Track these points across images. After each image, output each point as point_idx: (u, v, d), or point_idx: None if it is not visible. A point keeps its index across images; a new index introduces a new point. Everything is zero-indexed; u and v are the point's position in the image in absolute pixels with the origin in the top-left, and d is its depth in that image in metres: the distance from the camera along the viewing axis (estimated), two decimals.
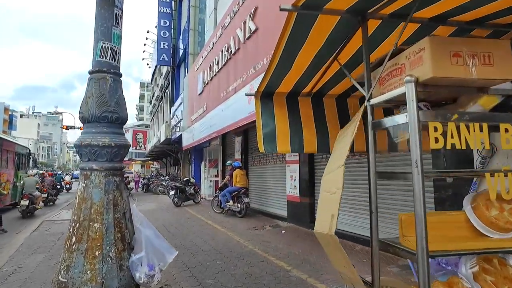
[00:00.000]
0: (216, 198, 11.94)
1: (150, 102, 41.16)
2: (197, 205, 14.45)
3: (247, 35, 8.56)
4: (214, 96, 11.86)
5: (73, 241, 2.41)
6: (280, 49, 2.02)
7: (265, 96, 2.69)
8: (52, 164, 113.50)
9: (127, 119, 2.67)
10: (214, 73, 11.82)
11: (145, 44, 37.99)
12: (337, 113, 2.82)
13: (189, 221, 10.22)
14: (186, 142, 16.20)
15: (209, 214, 11.36)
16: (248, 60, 8.59)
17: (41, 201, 12.93)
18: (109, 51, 2.51)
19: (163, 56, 22.29)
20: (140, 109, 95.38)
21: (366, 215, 6.51)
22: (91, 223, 2.36)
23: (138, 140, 51.00)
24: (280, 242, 7.08)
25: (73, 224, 2.49)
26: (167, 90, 24.61)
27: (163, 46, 22.40)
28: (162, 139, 23.00)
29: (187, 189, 14.51)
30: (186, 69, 18.93)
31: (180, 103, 18.44)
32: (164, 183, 20.87)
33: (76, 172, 46.73)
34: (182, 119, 17.84)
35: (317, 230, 1.85)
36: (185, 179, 15.00)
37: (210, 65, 12.26)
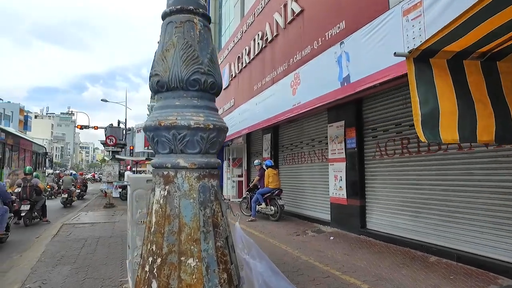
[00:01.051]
0: (245, 200, 11.09)
1: None
2: None
3: (289, 18, 7.66)
4: (244, 89, 10.99)
5: None
6: None
7: (421, 58, 1.80)
8: (66, 164, 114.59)
9: (221, 88, 1.78)
10: (243, 65, 10.94)
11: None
12: None
13: None
14: None
15: (239, 217, 10.50)
16: (291, 46, 7.69)
17: (75, 196, 16.25)
18: None
19: None
20: (152, 108, 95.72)
21: (438, 221, 5.57)
22: (182, 257, 1.36)
23: None
24: (334, 251, 6.17)
25: (150, 259, 1.46)
26: None
27: None
28: None
29: None
30: None
31: None
32: None
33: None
34: None
35: None
36: None
37: (239, 56, 11.39)
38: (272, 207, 9.76)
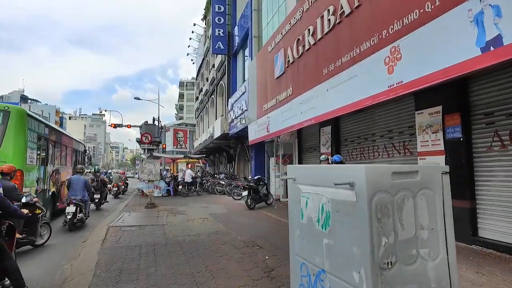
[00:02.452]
0: None
1: (197, 98, 39.85)
2: (270, 207, 12.46)
3: None
4: (307, 75, 9.71)
5: None
6: None
7: None
8: (97, 163, 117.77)
9: None
10: (306, 47, 9.65)
11: (190, 39, 36.84)
12: None
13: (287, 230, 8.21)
14: (255, 136, 14.20)
15: None
16: (383, 15, 6.34)
17: (121, 190, 20.24)
18: None
19: (219, 44, 20.48)
20: (180, 108, 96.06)
21: None
22: None
23: (178, 138, 50.33)
24: (460, 267, 4.80)
25: None
26: (221, 82, 22.85)
27: (218, 33, 20.62)
28: (217, 134, 21.29)
29: (259, 189, 12.57)
30: (250, 56, 16.92)
31: (243, 93, 16.52)
32: (222, 182, 19.12)
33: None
34: (246, 110, 15.90)
35: None
36: (256, 178, 13.03)
37: (299, 39, 10.11)
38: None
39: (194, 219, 9.98)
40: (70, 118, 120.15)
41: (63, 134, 11.48)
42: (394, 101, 7.55)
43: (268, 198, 12.94)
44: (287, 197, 14.15)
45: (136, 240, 7.12)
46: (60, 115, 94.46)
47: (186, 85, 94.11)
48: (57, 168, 10.67)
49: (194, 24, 32.67)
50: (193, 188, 19.27)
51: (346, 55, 7.53)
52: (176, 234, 7.82)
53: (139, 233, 7.97)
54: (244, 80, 18.45)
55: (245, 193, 11.98)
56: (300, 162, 13.11)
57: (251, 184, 12.32)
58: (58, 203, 10.76)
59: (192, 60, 42.21)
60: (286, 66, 11.09)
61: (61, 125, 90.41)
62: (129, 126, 26.56)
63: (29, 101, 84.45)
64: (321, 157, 9.30)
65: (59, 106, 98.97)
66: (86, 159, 16.21)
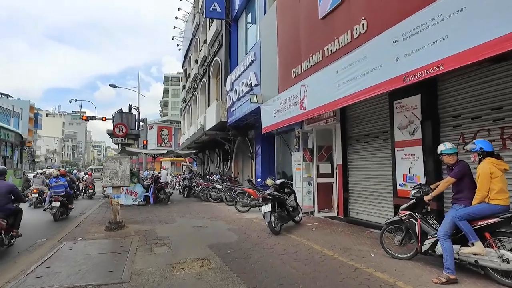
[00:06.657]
0: (399, 227, 5.28)
1: (184, 87, 34.93)
2: (303, 228, 7.97)
3: None
4: None
5: None
6: None
7: None
8: (77, 163, 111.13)
9: None
10: None
11: (176, 18, 32.01)
12: None
13: None
14: (275, 119, 9.41)
15: (390, 264, 4.70)
16: None
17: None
18: None
19: (214, 6, 15.67)
20: (164, 104, 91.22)
21: None
22: None
23: (163, 136, 46.57)
24: None
25: None
26: (216, 58, 18.02)
27: None
28: (211, 124, 16.58)
29: (285, 199, 7.97)
30: (264, 11, 12.17)
31: (252, 62, 11.80)
32: (219, 186, 14.38)
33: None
34: (257, 84, 11.22)
35: None
36: (279, 182, 8.37)
37: None
38: (504, 252, 3.96)
39: (185, 263, 5.32)
40: (47, 115, 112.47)
41: None
42: None
43: (297, 212, 8.40)
44: (321, 210, 8.49)
45: None
46: (35, 111, 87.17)
47: (171, 80, 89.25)
48: None
49: None
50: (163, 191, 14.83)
51: None
52: None
53: None
54: (246, 52, 13.79)
55: (267, 207, 7.31)
56: (345, 156, 8.55)
57: (275, 194, 7.66)
58: None
59: (178, 45, 37.30)
60: None
61: (35, 122, 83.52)
62: (104, 119, 22.00)
63: None
64: (443, 148, 4.65)
65: (39, 103, 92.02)
66: (23, 155, 11.14)
